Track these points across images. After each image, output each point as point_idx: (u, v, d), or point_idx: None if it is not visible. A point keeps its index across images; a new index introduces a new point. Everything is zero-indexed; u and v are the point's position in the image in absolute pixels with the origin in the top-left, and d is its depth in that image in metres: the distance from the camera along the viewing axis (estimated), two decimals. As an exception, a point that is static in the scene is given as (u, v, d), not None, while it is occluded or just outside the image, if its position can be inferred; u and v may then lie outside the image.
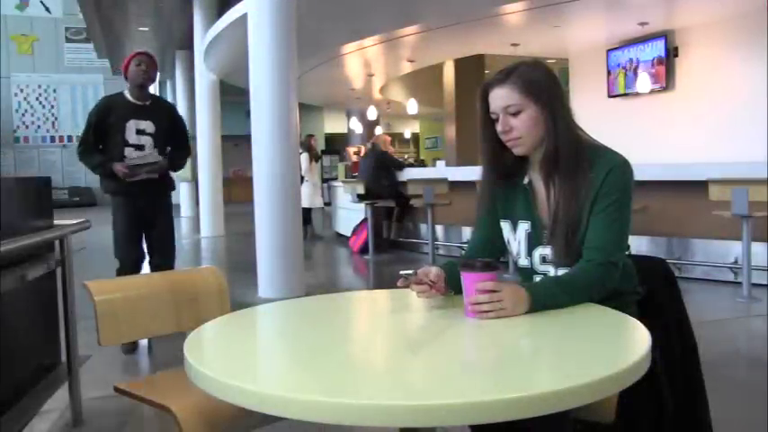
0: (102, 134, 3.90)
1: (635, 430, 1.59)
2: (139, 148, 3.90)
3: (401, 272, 1.54)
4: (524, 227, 1.67)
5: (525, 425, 1.02)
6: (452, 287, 1.57)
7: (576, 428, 1.46)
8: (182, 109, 17.02)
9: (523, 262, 1.69)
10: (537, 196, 1.67)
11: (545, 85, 1.60)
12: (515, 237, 1.70)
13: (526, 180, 1.69)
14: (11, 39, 23.43)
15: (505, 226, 1.72)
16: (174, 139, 4.11)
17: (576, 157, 1.59)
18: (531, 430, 1.20)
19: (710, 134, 8.68)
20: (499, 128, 1.61)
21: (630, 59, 9.89)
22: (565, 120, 1.60)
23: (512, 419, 0.97)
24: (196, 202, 13.28)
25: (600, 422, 1.53)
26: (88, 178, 24.31)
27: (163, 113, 4.06)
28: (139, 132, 3.90)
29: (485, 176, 1.74)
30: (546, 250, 1.64)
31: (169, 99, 24.65)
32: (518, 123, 1.59)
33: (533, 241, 1.66)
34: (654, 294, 1.71)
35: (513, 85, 1.58)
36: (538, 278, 1.65)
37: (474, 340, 1.40)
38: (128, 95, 3.97)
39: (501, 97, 1.60)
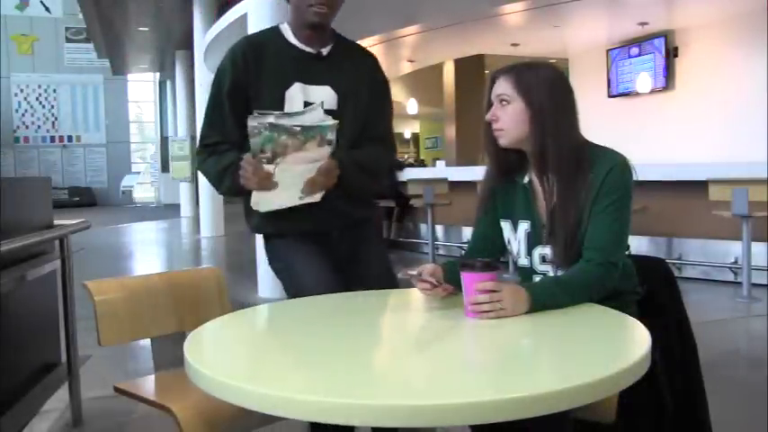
0: (241, 110, 1.88)
1: (635, 431, 1.59)
2: None
3: (409, 271, 1.55)
4: (524, 226, 1.68)
5: (525, 425, 1.02)
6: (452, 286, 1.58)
7: (575, 428, 1.46)
8: (181, 109, 16.99)
9: (523, 261, 1.69)
10: (537, 195, 1.68)
11: (541, 87, 1.61)
12: (515, 236, 1.70)
13: (526, 179, 1.69)
14: (11, 39, 23.44)
15: (505, 225, 1.72)
16: (371, 123, 2.04)
17: (566, 162, 1.59)
18: (531, 430, 1.20)
19: (710, 134, 8.68)
20: (488, 115, 1.65)
21: (630, 59, 9.90)
22: (558, 126, 1.60)
23: (512, 419, 0.97)
24: (196, 202, 13.28)
25: (600, 422, 1.53)
26: (88, 178, 24.39)
27: (354, 71, 2.03)
28: (309, 108, 1.89)
29: (488, 170, 1.75)
30: (546, 250, 1.64)
31: (168, 99, 24.49)
32: (503, 115, 1.62)
33: (533, 241, 1.67)
34: (653, 294, 1.71)
35: (510, 77, 1.63)
36: (538, 278, 1.66)
37: (474, 340, 1.40)
38: (290, 36, 1.99)
39: (499, 87, 1.64)
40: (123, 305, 1.78)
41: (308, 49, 1.98)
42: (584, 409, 1.36)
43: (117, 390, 1.77)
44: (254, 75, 1.93)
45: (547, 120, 1.60)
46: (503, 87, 1.63)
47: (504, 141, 1.65)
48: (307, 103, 1.91)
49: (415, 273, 1.55)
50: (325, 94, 1.94)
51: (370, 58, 2.11)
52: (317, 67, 1.97)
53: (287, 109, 1.88)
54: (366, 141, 2.01)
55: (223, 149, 1.93)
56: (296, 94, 1.92)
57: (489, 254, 1.71)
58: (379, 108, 2.07)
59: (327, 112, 1.87)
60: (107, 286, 1.83)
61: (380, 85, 2.10)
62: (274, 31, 2.01)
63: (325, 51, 1.99)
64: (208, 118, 1.99)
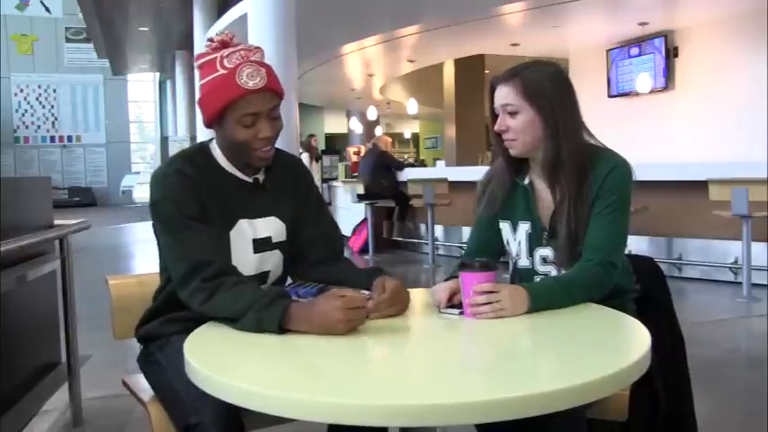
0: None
1: (630, 427, 1.59)
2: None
3: (446, 307, 1.49)
4: (524, 227, 1.68)
5: (537, 423, 1.02)
6: None
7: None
8: (181, 109, 17.01)
9: (524, 262, 1.69)
10: (537, 197, 1.68)
11: (548, 89, 1.59)
12: (515, 237, 1.70)
13: (527, 181, 1.69)
14: (11, 39, 23.44)
15: (505, 226, 1.72)
16: (325, 242, 1.80)
17: (578, 162, 1.59)
18: (547, 428, 1.19)
19: (710, 134, 8.68)
20: (496, 126, 1.63)
21: (630, 59, 9.91)
22: (567, 126, 1.60)
23: (511, 419, 0.97)
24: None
25: (600, 419, 1.53)
26: (88, 178, 24.39)
27: (294, 192, 1.78)
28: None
29: (496, 171, 1.73)
30: (547, 251, 1.64)
31: (168, 99, 24.39)
32: (514, 124, 1.60)
33: (534, 242, 1.66)
34: (645, 292, 1.72)
35: (514, 85, 1.59)
36: (539, 278, 1.66)
37: (474, 340, 1.40)
38: (222, 161, 1.68)
39: (502, 96, 1.61)
40: (138, 301, 1.80)
41: (246, 179, 1.67)
42: (597, 407, 1.36)
43: (124, 384, 1.82)
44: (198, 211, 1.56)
45: (559, 121, 1.58)
46: (507, 96, 1.60)
47: (515, 152, 1.63)
48: (256, 241, 1.65)
49: (456, 314, 1.47)
50: (272, 226, 1.68)
51: (299, 170, 1.80)
52: (259, 197, 1.68)
53: (235, 249, 1.61)
54: (330, 259, 1.76)
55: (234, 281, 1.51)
56: (244, 233, 1.63)
57: (488, 255, 1.71)
58: (326, 224, 1.80)
59: (277, 244, 1.69)
60: (126, 282, 1.88)
61: (316, 200, 1.80)
62: (204, 155, 1.65)
63: (261, 178, 1.69)
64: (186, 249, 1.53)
